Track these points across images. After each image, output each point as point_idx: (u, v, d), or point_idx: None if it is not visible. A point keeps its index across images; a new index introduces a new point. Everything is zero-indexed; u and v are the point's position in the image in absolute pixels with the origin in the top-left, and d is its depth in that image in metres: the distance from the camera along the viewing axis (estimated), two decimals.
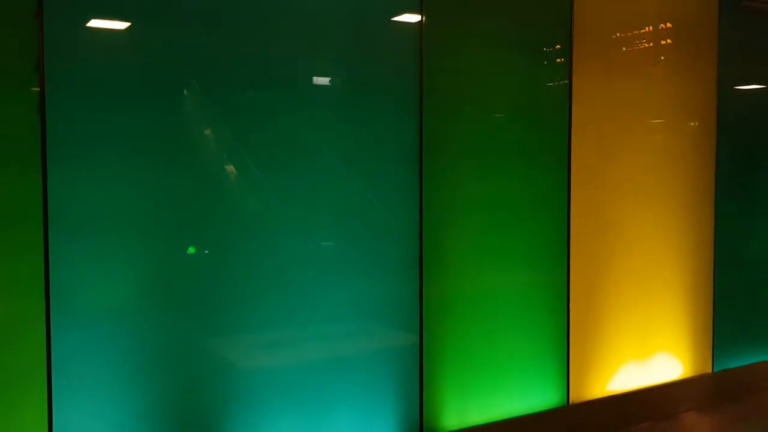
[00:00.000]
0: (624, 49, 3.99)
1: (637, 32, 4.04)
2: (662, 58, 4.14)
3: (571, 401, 3.76)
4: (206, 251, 2.84)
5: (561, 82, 3.72)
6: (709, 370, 4.38)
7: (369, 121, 3.19)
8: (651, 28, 4.10)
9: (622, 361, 4.01)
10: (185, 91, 2.78)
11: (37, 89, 2.46)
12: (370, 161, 3.20)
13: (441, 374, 3.37)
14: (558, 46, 3.71)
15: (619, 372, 3.98)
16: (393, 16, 3.24)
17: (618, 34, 3.97)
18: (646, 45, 4.08)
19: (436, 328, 3.36)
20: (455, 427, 3.38)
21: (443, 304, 3.39)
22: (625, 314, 4.02)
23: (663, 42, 4.14)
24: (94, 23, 2.59)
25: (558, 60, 3.73)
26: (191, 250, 2.81)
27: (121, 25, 2.64)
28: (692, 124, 4.31)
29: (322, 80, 3.12)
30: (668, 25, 4.14)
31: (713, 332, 4.38)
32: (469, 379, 3.46)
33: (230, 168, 2.90)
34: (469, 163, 3.46)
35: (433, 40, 3.28)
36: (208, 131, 2.86)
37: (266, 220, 2.97)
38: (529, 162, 3.65)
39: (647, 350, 4.13)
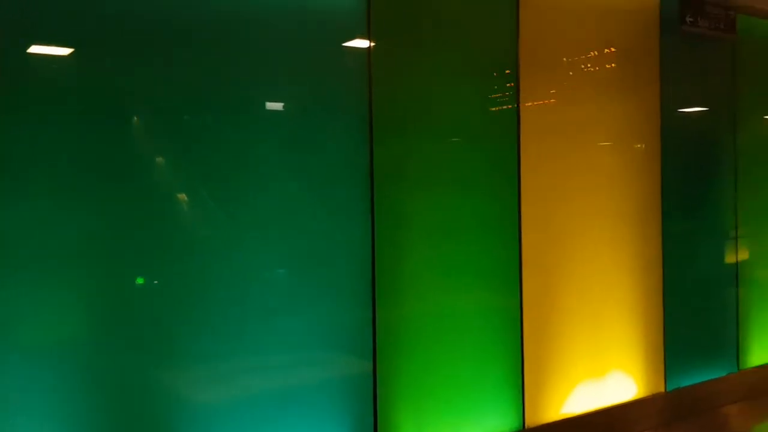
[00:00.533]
0: (570, 73, 4.07)
1: (582, 57, 4.12)
2: (607, 82, 4.23)
3: (527, 426, 3.74)
4: (153, 281, 2.75)
5: (509, 107, 3.76)
6: (662, 389, 4.42)
7: (319, 147, 3.16)
8: (596, 53, 4.19)
9: (577, 381, 4.01)
10: (131, 116, 2.71)
11: None
12: (321, 187, 3.16)
13: (395, 400, 3.31)
14: (507, 71, 3.76)
15: (574, 392, 3.99)
16: (341, 42, 3.23)
17: (564, 60, 4.04)
18: (592, 69, 4.16)
19: (390, 354, 3.31)
20: None
21: (397, 329, 3.35)
22: (578, 335, 4.04)
23: (608, 66, 4.23)
24: (34, 48, 2.51)
25: (506, 84, 3.77)
26: (139, 280, 2.72)
27: (61, 50, 2.57)
28: (638, 145, 4.40)
29: (272, 105, 3.08)
30: (612, 49, 4.24)
31: (664, 350, 4.43)
32: (425, 404, 3.41)
33: (178, 194, 2.83)
34: (421, 187, 3.45)
35: (381, 66, 3.28)
36: (155, 157, 2.79)
37: (213, 247, 2.89)
38: (479, 184, 3.66)
39: (601, 370, 4.15)
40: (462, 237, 3.58)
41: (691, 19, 4.38)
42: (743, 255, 4.94)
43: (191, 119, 2.86)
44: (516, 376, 3.73)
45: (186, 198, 2.84)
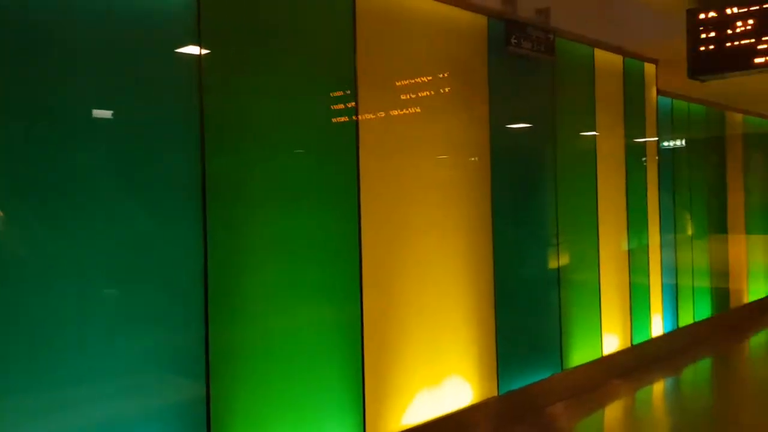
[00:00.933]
0: (407, 91, 4.14)
1: (417, 75, 4.22)
2: (441, 98, 4.36)
3: None
4: None
5: (348, 120, 3.74)
6: (495, 393, 4.62)
7: (147, 159, 2.93)
8: (430, 71, 4.30)
9: (417, 391, 4.07)
10: None
11: None
12: (150, 201, 2.93)
13: (231, 424, 3.15)
14: (345, 84, 3.74)
15: (414, 402, 4.04)
16: (170, 48, 3.03)
17: (401, 77, 4.11)
18: (427, 88, 4.27)
19: (225, 376, 3.14)
20: None
21: (232, 349, 3.19)
22: (417, 345, 4.11)
23: (442, 83, 4.36)
24: None
25: (344, 97, 3.75)
26: None
27: None
28: (471, 159, 4.58)
29: (100, 115, 2.81)
30: (445, 68, 4.39)
31: (497, 355, 4.64)
32: (263, 425, 3.28)
33: None
34: (257, 202, 3.33)
35: (213, 74, 3.12)
36: None
37: (35, 267, 2.57)
38: (318, 199, 3.61)
39: (439, 378, 4.24)
40: (300, 252, 3.50)
41: (515, 41, 4.65)
42: (564, 260, 5.32)
43: (3, 129, 2.53)
44: (357, 390, 3.71)
45: (8, 215, 2.51)
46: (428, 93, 4.27)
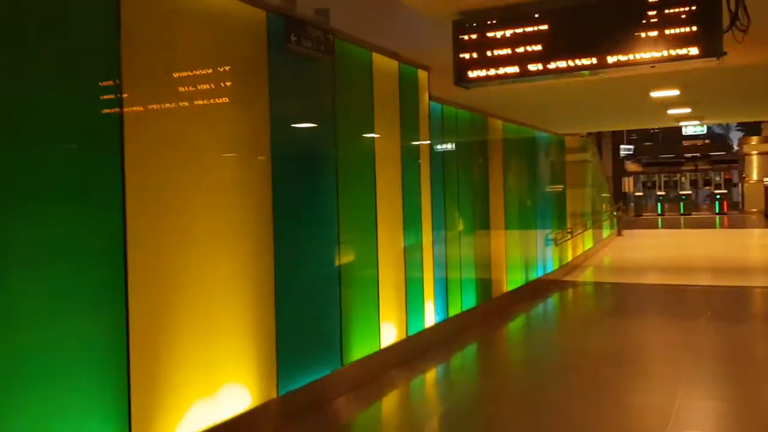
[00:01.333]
0: (180, 85, 3.91)
1: (192, 69, 4.00)
2: (219, 94, 4.19)
3: None
4: None
5: (112, 114, 3.42)
6: (275, 395, 4.56)
7: None
8: (207, 65, 4.11)
9: (192, 400, 3.87)
10: None
11: None
12: None
13: None
14: (108, 75, 3.41)
15: (189, 412, 3.83)
16: None
17: (174, 71, 3.86)
18: (202, 82, 4.07)
19: None
20: None
21: None
22: (191, 353, 3.89)
23: (219, 79, 4.19)
24: None
25: (107, 88, 3.43)
26: None
27: None
28: (250, 158, 4.46)
29: None
30: (223, 62, 4.22)
31: (277, 356, 4.58)
32: None
33: None
34: (6, 203, 2.91)
35: None
36: None
37: None
38: (74, 200, 3.25)
39: (216, 385, 4.08)
40: (53, 258, 3.13)
41: (295, 38, 4.62)
42: (345, 258, 5.42)
43: None
44: (122, 409, 3.41)
45: None
46: (203, 88, 4.08)
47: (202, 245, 4.01)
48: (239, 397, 4.25)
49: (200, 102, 4.04)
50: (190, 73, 4.00)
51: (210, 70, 4.14)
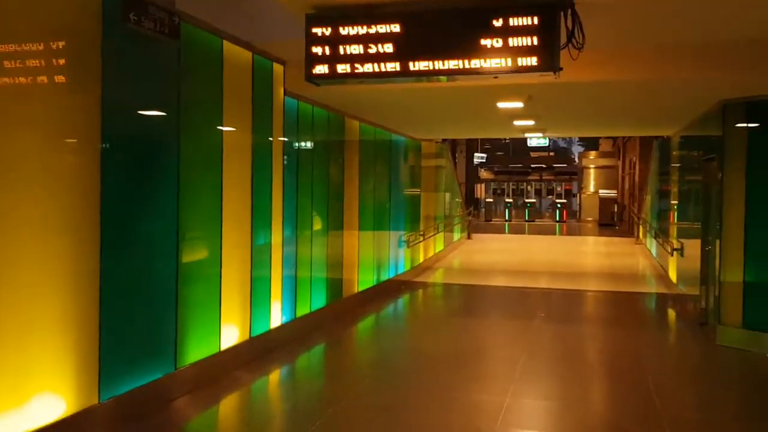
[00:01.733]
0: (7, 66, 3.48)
1: (8, 43, 3.58)
2: (39, 73, 3.76)
3: None
4: None
5: None
6: (96, 401, 4.20)
7: None
8: (29, 40, 3.69)
9: None
10: None
11: None
12: None
13: None
14: None
15: None
16: None
17: None
18: (20, 58, 3.65)
19: None
20: None
21: None
22: None
23: (43, 57, 3.78)
24: None
25: None
26: None
27: None
28: (79, 145, 4.07)
29: None
30: (50, 38, 3.81)
31: (100, 361, 4.22)
32: None
33: None
34: None
35: None
36: None
37: None
38: None
39: (25, 395, 3.67)
40: None
41: (135, 17, 4.29)
42: (185, 257, 5.12)
43: None
44: None
45: None
46: (16, 61, 3.65)
47: (9, 243, 3.59)
48: (52, 405, 3.85)
49: (9, 78, 3.61)
50: (20, 58, 3.57)
51: (29, 43, 3.72)
